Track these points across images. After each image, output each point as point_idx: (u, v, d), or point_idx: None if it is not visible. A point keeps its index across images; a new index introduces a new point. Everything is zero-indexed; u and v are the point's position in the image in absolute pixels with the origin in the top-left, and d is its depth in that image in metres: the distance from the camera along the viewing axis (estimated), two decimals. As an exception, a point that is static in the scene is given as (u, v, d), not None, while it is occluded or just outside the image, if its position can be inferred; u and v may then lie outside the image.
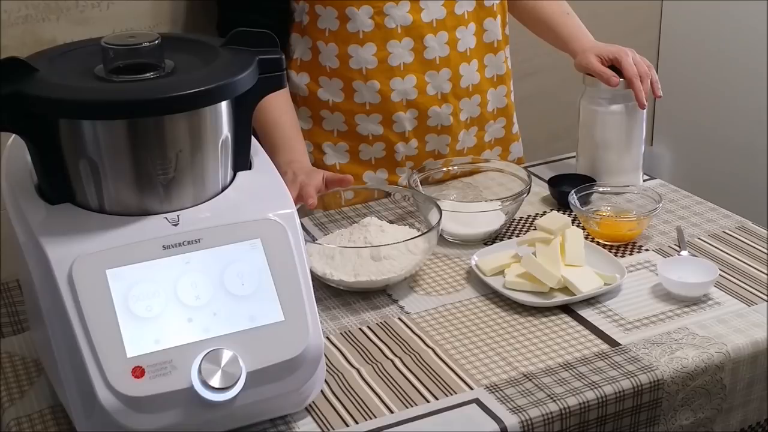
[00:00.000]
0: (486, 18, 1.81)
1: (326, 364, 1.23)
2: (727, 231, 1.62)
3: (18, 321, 1.40)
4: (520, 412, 1.18)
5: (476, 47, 1.80)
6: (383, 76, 1.75)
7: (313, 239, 1.57)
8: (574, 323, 1.36)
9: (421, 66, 1.76)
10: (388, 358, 1.30)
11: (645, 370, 1.25)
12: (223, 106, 1.14)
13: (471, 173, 1.79)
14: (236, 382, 1.06)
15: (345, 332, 1.36)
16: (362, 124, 1.79)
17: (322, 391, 1.21)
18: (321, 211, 1.66)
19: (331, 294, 1.45)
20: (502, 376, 1.25)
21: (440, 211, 1.50)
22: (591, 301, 1.41)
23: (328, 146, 1.82)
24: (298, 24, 1.77)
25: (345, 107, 1.79)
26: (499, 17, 1.83)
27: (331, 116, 1.80)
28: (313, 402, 1.20)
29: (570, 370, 1.26)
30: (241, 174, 1.21)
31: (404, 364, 1.28)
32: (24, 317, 1.40)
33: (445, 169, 1.76)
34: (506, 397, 1.21)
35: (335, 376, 1.26)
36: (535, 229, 1.48)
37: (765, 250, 1.55)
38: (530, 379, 1.24)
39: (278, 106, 1.72)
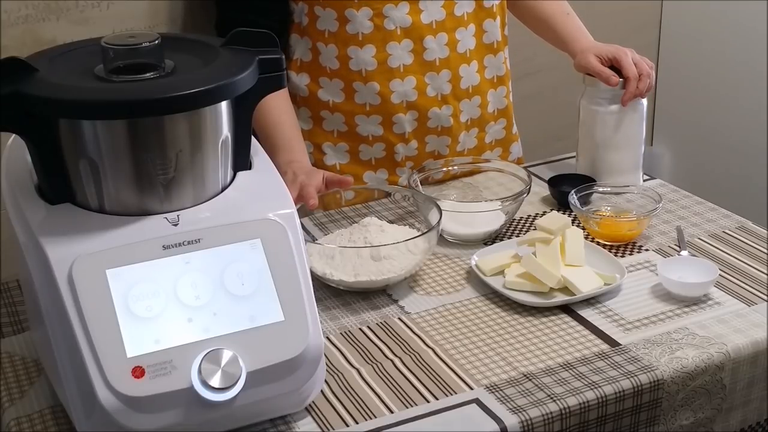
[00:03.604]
0: (486, 19, 1.80)
1: (326, 364, 1.23)
2: (727, 231, 1.62)
3: (18, 321, 1.40)
4: (520, 412, 1.18)
5: (476, 48, 1.80)
6: (383, 78, 1.75)
7: (313, 239, 1.57)
8: (574, 323, 1.36)
9: (420, 67, 1.76)
10: (388, 358, 1.30)
11: (645, 370, 1.25)
12: (223, 106, 1.14)
13: (471, 173, 1.79)
14: (236, 382, 1.06)
15: (345, 332, 1.36)
16: (362, 125, 1.79)
17: (322, 391, 1.21)
18: (321, 211, 1.66)
19: (331, 294, 1.45)
20: (502, 376, 1.25)
21: (440, 211, 1.50)
22: (591, 301, 1.41)
23: (328, 147, 1.82)
24: (297, 25, 1.77)
25: (345, 108, 1.79)
26: (498, 18, 1.83)
27: (331, 117, 1.80)
28: (313, 402, 1.20)
29: (570, 370, 1.26)
30: (241, 174, 1.21)
31: (404, 364, 1.28)
32: (24, 317, 1.40)
33: (445, 169, 1.76)
34: (506, 397, 1.21)
35: (335, 376, 1.26)
36: (535, 229, 1.48)
37: (765, 250, 1.55)
38: (530, 379, 1.24)
39: (278, 107, 1.71)
